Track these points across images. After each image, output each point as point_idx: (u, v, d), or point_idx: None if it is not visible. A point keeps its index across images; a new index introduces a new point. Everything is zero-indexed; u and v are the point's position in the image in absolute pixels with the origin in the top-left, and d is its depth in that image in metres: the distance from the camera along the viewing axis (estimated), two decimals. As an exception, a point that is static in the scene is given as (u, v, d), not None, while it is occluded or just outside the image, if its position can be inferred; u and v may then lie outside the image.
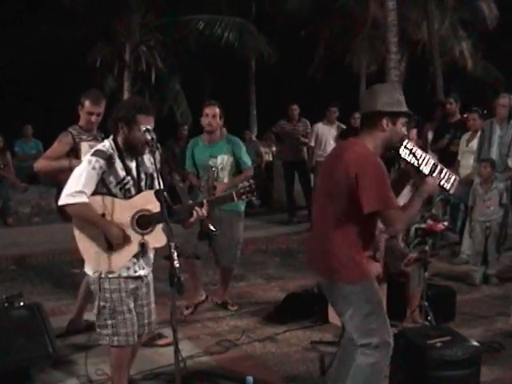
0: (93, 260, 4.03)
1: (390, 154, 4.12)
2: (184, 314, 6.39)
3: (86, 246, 4.02)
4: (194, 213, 4.12)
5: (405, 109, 3.86)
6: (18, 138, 13.82)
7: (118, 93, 17.09)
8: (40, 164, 5.74)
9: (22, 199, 12.03)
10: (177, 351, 3.50)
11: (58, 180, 5.69)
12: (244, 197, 4.29)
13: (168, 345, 5.27)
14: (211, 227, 6.07)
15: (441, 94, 16.40)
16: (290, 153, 11.51)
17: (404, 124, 3.84)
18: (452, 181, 3.97)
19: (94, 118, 5.70)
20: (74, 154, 5.58)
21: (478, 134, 8.65)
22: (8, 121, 14.39)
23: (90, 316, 5.76)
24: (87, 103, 5.69)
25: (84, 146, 5.57)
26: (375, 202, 3.61)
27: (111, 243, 3.99)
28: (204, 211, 4.15)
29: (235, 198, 4.29)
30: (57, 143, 5.69)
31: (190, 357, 5.21)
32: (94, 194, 3.95)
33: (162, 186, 3.86)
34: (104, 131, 5.58)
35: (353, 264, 3.77)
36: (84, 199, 3.90)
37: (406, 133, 3.89)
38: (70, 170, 5.51)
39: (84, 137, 5.66)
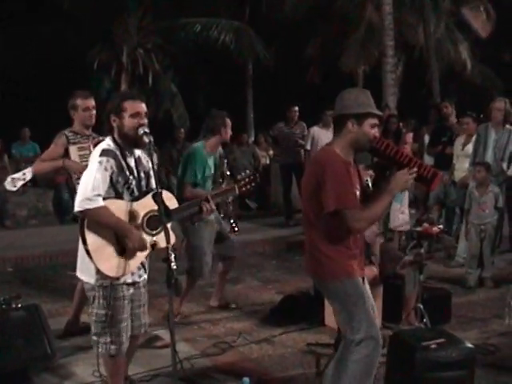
0: (105, 266, 3.91)
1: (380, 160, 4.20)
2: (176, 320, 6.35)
3: (100, 253, 3.89)
4: (203, 207, 4.17)
5: (368, 110, 3.94)
6: (16, 140, 13.84)
7: (115, 95, 17.08)
8: (36, 167, 5.76)
9: (19, 202, 12.03)
10: (174, 353, 3.53)
11: (55, 183, 5.79)
12: (244, 188, 4.36)
13: (165, 347, 5.29)
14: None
15: (437, 97, 16.44)
16: (287, 155, 11.55)
17: (373, 125, 3.94)
18: (432, 176, 4.00)
19: (92, 112, 5.75)
20: (69, 155, 5.62)
21: (474, 137, 8.68)
22: (5, 123, 14.40)
23: (87, 318, 5.84)
24: (80, 101, 5.73)
25: (72, 149, 5.61)
26: (332, 201, 3.77)
27: (124, 247, 3.94)
28: (212, 205, 4.21)
29: (237, 190, 4.37)
30: (52, 146, 5.74)
31: (187, 359, 5.21)
32: (104, 197, 3.88)
33: (158, 187, 3.88)
34: (99, 134, 5.65)
35: (331, 262, 3.93)
36: (101, 203, 3.82)
37: (376, 134, 3.97)
38: (64, 169, 5.60)
39: (77, 138, 5.69)
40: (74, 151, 5.60)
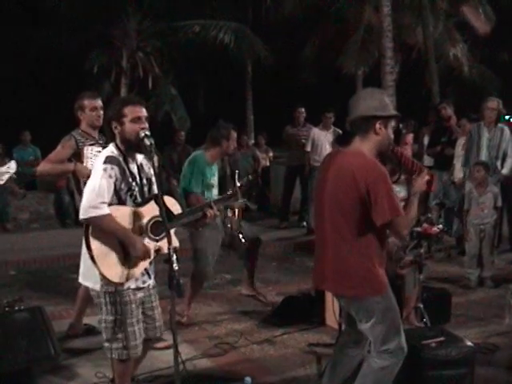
0: (110, 272, 3.92)
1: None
2: (183, 321, 6.43)
3: (104, 259, 3.91)
4: (207, 213, 4.20)
5: (393, 112, 3.92)
6: (16, 144, 13.87)
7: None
8: (43, 167, 5.74)
9: (20, 205, 12.09)
10: (176, 354, 3.54)
11: (56, 186, 5.80)
12: (246, 194, 4.40)
13: (167, 348, 5.29)
14: (240, 236, 6.30)
15: (437, 98, 16.45)
16: (294, 157, 11.58)
17: (392, 128, 3.91)
18: (431, 179, 4.04)
19: (100, 112, 5.73)
20: (77, 158, 5.64)
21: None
22: (6, 127, 14.43)
23: (89, 320, 5.88)
24: (88, 101, 5.74)
25: (86, 150, 5.63)
26: (388, 212, 3.65)
27: (129, 253, 3.95)
28: (215, 210, 4.23)
29: (239, 196, 4.38)
30: (60, 147, 5.71)
31: (189, 359, 5.26)
32: (108, 204, 3.89)
33: (159, 190, 3.90)
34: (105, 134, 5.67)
35: (373, 276, 3.82)
36: (107, 210, 3.83)
37: (392, 136, 3.96)
38: (74, 173, 5.61)
39: (86, 141, 5.71)
40: (88, 153, 5.60)
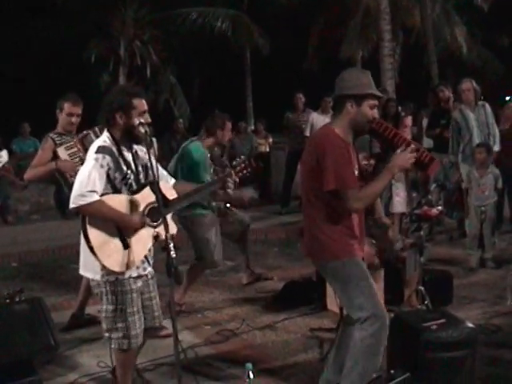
0: (110, 261, 3.91)
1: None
2: (183, 309, 6.44)
3: (103, 249, 3.90)
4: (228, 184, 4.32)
5: (368, 91, 3.98)
6: (16, 136, 13.86)
7: (113, 88, 17.09)
8: (28, 174, 5.82)
9: (21, 197, 12.11)
10: (176, 341, 3.54)
11: (57, 177, 5.78)
12: (241, 174, 4.44)
13: (169, 336, 5.27)
14: (228, 205, 6.29)
15: (436, 80, 16.41)
16: (294, 143, 11.56)
17: (372, 106, 3.98)
18: (429, 161, 4.00)
19: (74, 119, 5.78)
20: (56, 158, 5.64)
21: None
22: (5, 119, 14.43)
23: (91, 310, 5.89)
24: (67, 105, 5.77)
25: (60, 150, 5.62)
26: (333, 180, 3.82)
27: (127, 242, 3.95)
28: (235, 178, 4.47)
29: (233, 175, 4.43)
30: (40, 151, 5.79)
31: (191, 347, 5.27)
32: (102, 194, 3.88)
33: (155, 177, 3.89)
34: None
35: (332, 242, 3.98)
36: (96, 198, 3.81)
37: (376, 115, 4.01)
38: (57, 171, 5.61)
39: (63, 140, 5.70)
40: (62, 152, 5.60)
